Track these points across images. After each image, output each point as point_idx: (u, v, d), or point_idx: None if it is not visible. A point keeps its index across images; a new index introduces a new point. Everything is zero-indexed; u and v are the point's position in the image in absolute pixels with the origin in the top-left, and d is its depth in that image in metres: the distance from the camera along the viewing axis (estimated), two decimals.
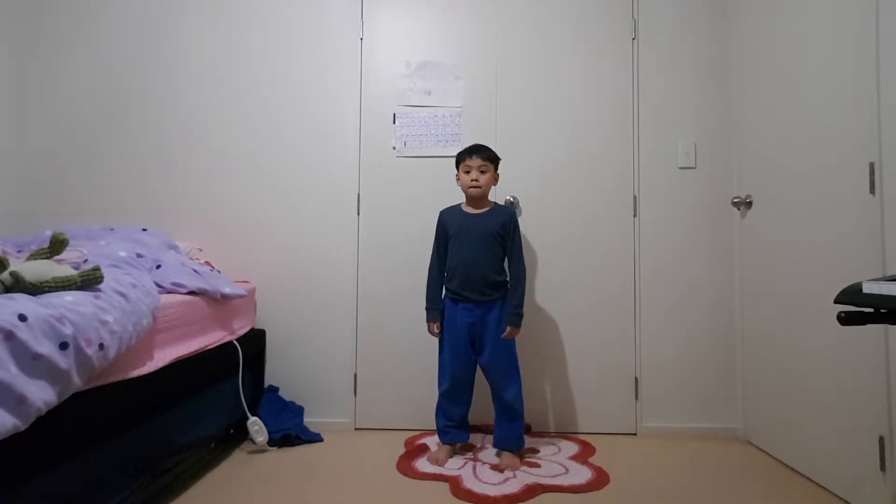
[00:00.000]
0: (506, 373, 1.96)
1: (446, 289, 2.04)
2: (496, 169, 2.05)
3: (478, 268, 1.96)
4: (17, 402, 0.99)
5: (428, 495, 1.70)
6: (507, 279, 2.01)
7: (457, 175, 2.06)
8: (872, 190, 1.55)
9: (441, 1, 2.42)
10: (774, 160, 2.02)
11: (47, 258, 1.35)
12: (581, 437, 2.24)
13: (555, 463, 1.95)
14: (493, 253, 1.99)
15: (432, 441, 2.14)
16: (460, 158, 2.04)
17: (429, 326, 2.06)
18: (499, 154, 2.07)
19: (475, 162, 1.99)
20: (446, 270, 2.04)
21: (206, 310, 1.86)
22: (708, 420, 2.30)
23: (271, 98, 2.42)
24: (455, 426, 2.00)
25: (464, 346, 1.98)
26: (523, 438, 1.99)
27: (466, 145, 2.07)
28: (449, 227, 2.04)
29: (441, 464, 1.92)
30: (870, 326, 1.53)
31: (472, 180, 1.99)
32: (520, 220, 2.22)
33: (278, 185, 2.41)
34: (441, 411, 2.02)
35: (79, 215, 2.40)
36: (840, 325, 1.00)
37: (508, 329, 1.95)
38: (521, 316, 1.97)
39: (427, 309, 2.05)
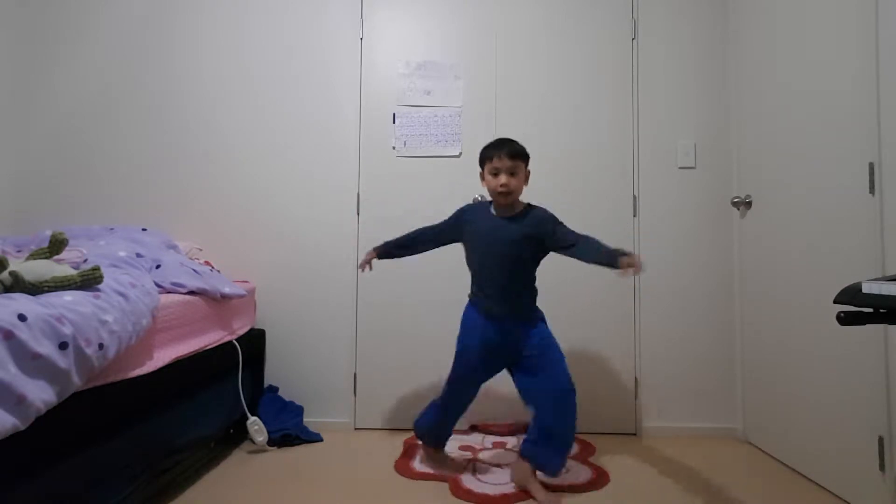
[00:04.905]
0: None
1: (473, 301, 1.83)
2: (527, 165, 1.78)
3: (510, 278, 1.74)
4: (16, 401, 0.99)
5: (428, 495, 1.70)
6: (535, 295, 1.81)
7: (481, 174, 1.80)
8: (872, 190, 1.55)
9: (441, 1, 2.42)
10: (774, 160, 2.02)
11: (47, 258, 1.35)
12: (581, 436, 2.23)
13: None
14: (526, 260, 1.76)
15: None
16: (486, 156, 1.77)
17: (368, 253, 1.89)
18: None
19: (504, 163, 1.71)
20: (472, 278, 1.83)
21: (205, 310, 1.86)
22: (708, 420, 2.30)
23: (271, 98, 2.42)
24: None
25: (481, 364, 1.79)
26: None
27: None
28: (466, 232, 1.83)
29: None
30: (869, 326, 1.53)
31: (500, 185, 1.71)
32: None
33: (278, 185, 2.41)
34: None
35: (79, 215, 2.40)
36: (840, 325, 1.00)
37: (626, 259, 1.53)
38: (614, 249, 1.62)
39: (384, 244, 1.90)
